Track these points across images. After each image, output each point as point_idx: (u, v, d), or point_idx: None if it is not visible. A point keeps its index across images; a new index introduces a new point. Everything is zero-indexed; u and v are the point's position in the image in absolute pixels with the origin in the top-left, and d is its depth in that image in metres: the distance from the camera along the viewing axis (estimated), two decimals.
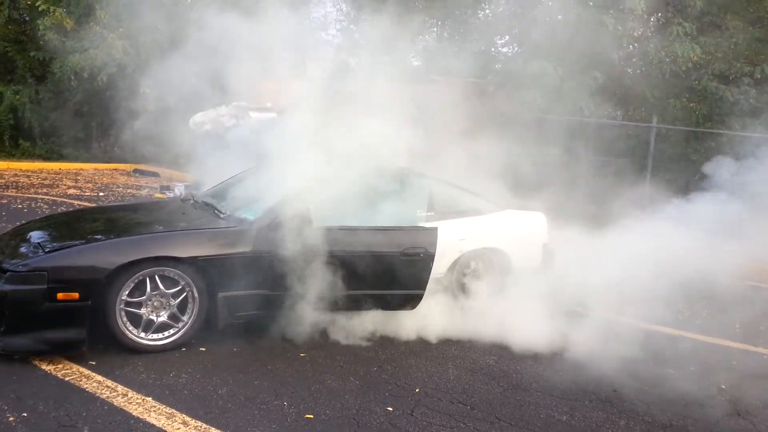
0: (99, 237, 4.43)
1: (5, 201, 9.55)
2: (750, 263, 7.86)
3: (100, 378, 3.71)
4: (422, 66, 10.20)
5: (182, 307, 4.20)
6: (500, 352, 4.67)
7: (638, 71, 12.82)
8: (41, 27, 14.62)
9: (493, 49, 13.92)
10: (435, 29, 13.55)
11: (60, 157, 15.99)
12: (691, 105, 12.11)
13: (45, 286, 3.79)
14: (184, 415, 3.36)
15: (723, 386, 4.43)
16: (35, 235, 4.43)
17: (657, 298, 5.46)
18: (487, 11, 13.48)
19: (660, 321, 5.54)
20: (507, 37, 14.33)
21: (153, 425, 3.24)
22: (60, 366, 3.82)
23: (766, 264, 7.84)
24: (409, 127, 4.98)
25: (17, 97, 15.57)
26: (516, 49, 14.09)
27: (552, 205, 6.25)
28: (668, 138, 11.42)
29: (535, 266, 5.63)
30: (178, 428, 3.23)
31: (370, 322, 4.71)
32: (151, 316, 4.12)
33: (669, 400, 4.14)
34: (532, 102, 9.63)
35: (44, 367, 3.80)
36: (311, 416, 3.49)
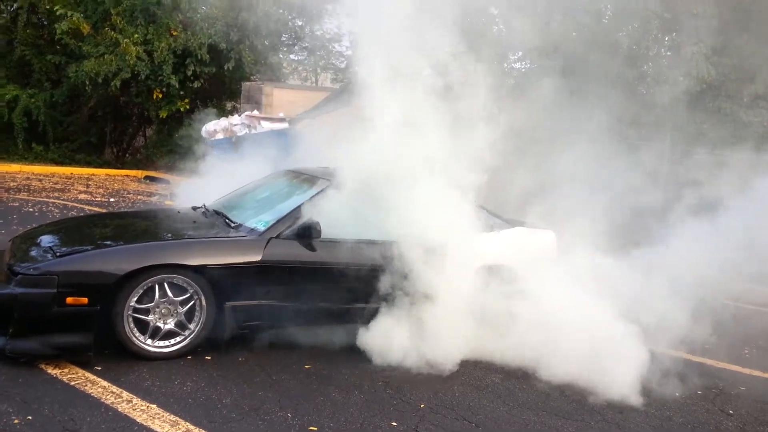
0: (109, 243, 4.45)
1: (17, 204, 9.63)
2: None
3: (105, 383, 3.72)
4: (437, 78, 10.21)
5: (189, 315, 4.21)
6: (505, 370, 4.63)
7: (651, 90, 12.78)
8: (59, 31, 14.77)
9: (505, 65, 13.93)
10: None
11: (72, 162, 16.12)
12: (705, 126, 12.04)
13: (55, 290, 3.80)
14: (188, 424, 3.36)
15: (731, 412, 4.38)
16: (46, 239, 4.45)
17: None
18: (501, 27, 13.49)
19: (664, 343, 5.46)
20: (520, 53, 14.34)
21: None
22: (66, 370, 3.83)
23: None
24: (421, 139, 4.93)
25: (32, 100, 15.68)
26: (528, 65, 14.10)
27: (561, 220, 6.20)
28: (680, 159, 11.37)
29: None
30: None
31: (375, 335, 4.68)
32: (158, 323, 4.12)
33: (676, 423, 4.10)
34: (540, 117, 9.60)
35: (50, 371, 3.81)
36: (315, 429, 3.47)
